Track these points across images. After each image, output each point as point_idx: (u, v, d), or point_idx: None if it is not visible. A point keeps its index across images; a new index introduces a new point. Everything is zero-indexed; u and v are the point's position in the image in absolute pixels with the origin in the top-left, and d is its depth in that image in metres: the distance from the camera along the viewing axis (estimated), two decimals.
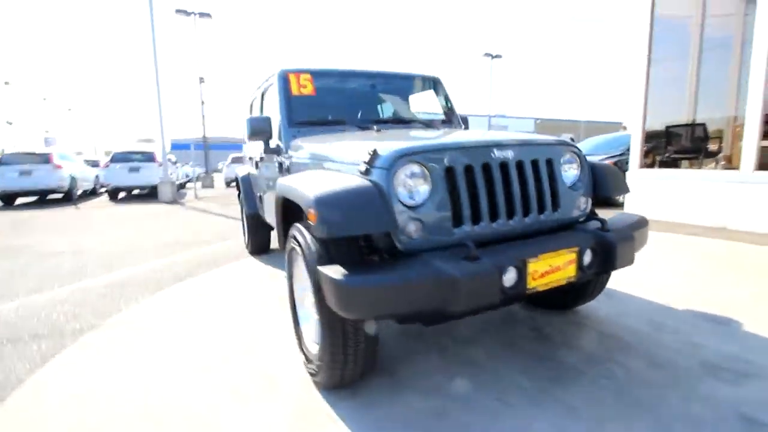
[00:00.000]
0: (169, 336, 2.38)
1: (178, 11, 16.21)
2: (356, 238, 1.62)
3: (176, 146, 15.99)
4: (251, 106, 4.18)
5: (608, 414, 1.51)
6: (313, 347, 1.79)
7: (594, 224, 1.83)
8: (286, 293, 2.08)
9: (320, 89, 2.80)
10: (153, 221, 7.48)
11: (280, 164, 2.59)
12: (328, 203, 1.43)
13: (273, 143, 2.71)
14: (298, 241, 1.67)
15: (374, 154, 1.56)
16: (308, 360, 1.81)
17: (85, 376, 1.96)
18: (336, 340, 1.52)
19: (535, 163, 1.77)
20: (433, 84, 3.24)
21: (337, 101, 2.95)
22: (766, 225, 4.22)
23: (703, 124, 5.47)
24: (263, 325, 2.48)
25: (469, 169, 1.61)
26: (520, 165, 1.72)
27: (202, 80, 24.89)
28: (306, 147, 2.29)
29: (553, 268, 1.59)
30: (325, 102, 2.88)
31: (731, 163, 5.06)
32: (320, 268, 1.40)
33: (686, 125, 5.71)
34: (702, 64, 5.65)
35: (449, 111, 3.17)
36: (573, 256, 1.63)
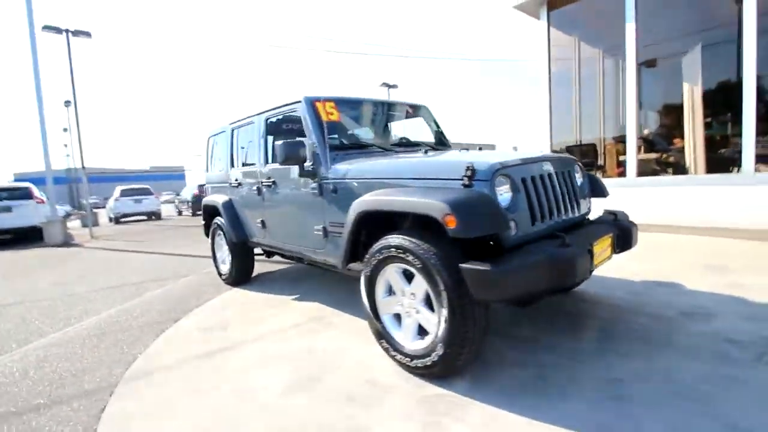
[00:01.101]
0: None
1: (46, 28, 13.95)
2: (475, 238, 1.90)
3: (25, 180, 12.93)
4: (214, 138, 4.10)
5: (623, 347, 2.07)
6: (418, 344, 1.99)
7: (608, 217, 2.43)
8: (306, 315, 2.23)
9: (342, 116, 3.01)
10: (64, 267, 6.34)
11: (320, 186, 2.70)
12: (463, 209, 1.71)
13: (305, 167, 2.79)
14: (402, 248, 1.89)
15: (473, 170, 1.90)
16: (416, 358, 1.98)
17: None
18: (466, 325, 1.77)
19: (563, 173, 2.31)
20: (425, 111, 3.67)
21: (355, 127, 3.18)
22: (646, 216, 5.58)
23: (594, 144, 6.99)
24: (330, 347, 2.53)
25: (532, 179, 2.06)
26: (557, 174, 2.23)
27: (68, 103, 21.55)
28: (361, 168, 2.48)
29: (602, 250, 2.11)
30: (345, 128, 3.08)
31: (606, 174, 6.56)
32: (465, 264, 1.68)
33: (579, 145, 7.20)
34: (581, 97, 7.26)
35: (441, 134, 3.63)
36: (610, 240, 2.19)
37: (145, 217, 16.62)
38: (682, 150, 5.76)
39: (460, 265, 1.70)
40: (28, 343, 2.99)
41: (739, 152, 4.83)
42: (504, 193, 1.92)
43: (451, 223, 1.71)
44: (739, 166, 4.84)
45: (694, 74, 5.52)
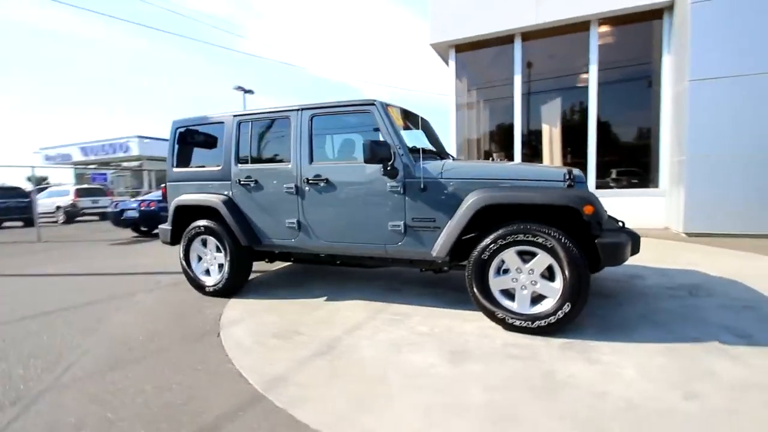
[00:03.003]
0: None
1: None
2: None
3: None
4: (186, 129, 3.75)
5: (627, 314, 3.14)
6: (539, 308, 2.53)
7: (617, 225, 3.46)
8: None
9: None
10: None
11: (404, 184, 2.91)
12: (595, 201, 2.37)
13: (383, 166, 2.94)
14: (547, 234, 2.42)
15: (572, 175, 2.59)
16: (538, 319, 2.49)
17: None
18: (583, 287, 2.40)
19: None
20: (429, 124, 4.17)
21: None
22: None
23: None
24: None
25: None
26: None
27: None
28: (458, 169, 2.84)
29: None
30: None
31: None
32: (601, 239, 2.34)
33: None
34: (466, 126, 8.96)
35: (442, 145, 4.20)
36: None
37: None
38: None
39: (597, 240, 2.36)
40: None
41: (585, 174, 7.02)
42: None
43: (589, 211, 2.35)
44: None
45: (554, 118, 7.68)
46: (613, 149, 7.28)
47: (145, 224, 8.91)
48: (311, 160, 3.25)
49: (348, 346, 2.50)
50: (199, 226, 3.65)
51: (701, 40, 5.48)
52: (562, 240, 2.41)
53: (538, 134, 7.87)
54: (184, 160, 3.91)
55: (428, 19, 7.71)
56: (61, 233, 10.61)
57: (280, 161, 3.40)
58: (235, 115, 3.58)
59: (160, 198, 8.92)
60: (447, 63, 8.58)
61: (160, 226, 4.05)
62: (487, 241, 2.59)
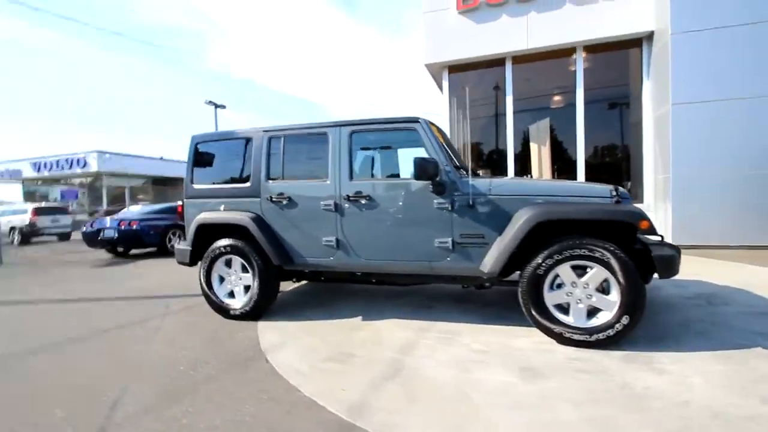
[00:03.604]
0: None
1: None
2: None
3: None
4: (208, 145, 3.63)
5: (666, 324, 3.29)
6: (596, 321, 2.59)
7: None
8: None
9: None
10: None
11: (453, 201, 2.93)
12: (647, 217, 2.49)
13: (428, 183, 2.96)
14: (602, 248, 2.50)
15: (618, 191, 2.72)
16: (596, 332, 2.55)
17: None
18: (639, 298, 2.48)
19: None
20: (446, 136, 4.25)
21: None
22: None
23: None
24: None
25: None
26: None
27: None
28: (507, 186, 2.91)
29: None
30: None
31: None
32: (657, 253, 2.45)
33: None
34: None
35: (459, 157, 4.27)
36: None
37: None
38: None
39: (654, 254, 2.46)
40: None
41: None
42: None
43: (645, 226, 2.46)
44: None
45: (543, 137, 8.04)
46: (599, 167, 7.71)
47: (124, 245, 8.36)
48: (351, 177, 3.21)
49: (412, 368, 2.44)
50: (224, 246, 3.47)
51: (681, 67, 5.99)
52: (618, 254, 2.50)
53: (527, 152, 8.20)
54: (204, 176, 3.74)
55: (423, 40, 7.94)
56: (25, 255, 9.74)
57: (317, 178, 3.32)
58: (265, 131, 3.49)
59: (143, 216, 8.45)
60: (438, 82, 8.84)
61: (177, 246, 3.82)
62: (543, 256, 2.64)
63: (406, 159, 4.21)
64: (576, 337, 2.60)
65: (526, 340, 2.78)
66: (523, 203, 2.82)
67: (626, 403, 1.96)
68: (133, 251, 9.01)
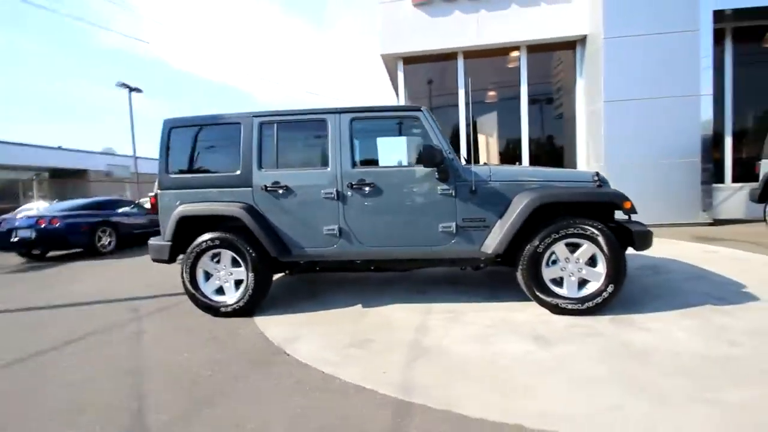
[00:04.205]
0: None
1: None
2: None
3: None
4: (185, 131, 3.40)
5: (630, 292, 3.81)
6: (585, 291, 2.92)
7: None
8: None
9: None
10: None
11: (456, 187, 3.06)
12: (629, 198, 2.85)
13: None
14: (591, 226, 2.82)
15: (599, 176, 3.07)
16: (587, 300, 2.88)
17: None
18: (622, 269, 2.86)
19: None
20: None
21: None
22: None
23: None
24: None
25: None
26: None
27: None
28: (507, 172, 3.13)
29: None
30: None
31: None
32: (637, 229, 2.82)
33: None
34: None
35: None
36: None
37: None
38: None
39: (633, 230, 2.84)
40: None
41: None
42: None
43: (628, 206, 2.82)
44: None
45: (491, 128, 8.58)
46: (539, 157, 8.45)
47: (43, 246, 7.25)
48: (353, 165, 3.18)
49: (436, 346, 2.55)
50: (211, 239, 3.23)
51: (612, 68, 6.80)
52: (605, 231, 2.84)
53: (476, 142, 8.70)
54: (180, 164, 3.42)
55: (379, 30, 7.95)
56: None
57: (315, 165, 3.24)
58: (255, 116, 3.29)
59: (67, 213, 7.41)
60: (392, 73, 8.94)
61: (151, 242, 3.46)
62: (542, 235, 2.90)
63: (386, 148, 4.27)
64: (570, 306, 2.91)
65: (525, 313, 3.04)
66: (520, 188, 3.05)
67: (633, 357, 2.27)
68: (52, 253, 7.87)
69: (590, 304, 2.90)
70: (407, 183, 3.14)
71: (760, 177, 5.58)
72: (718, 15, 6.68)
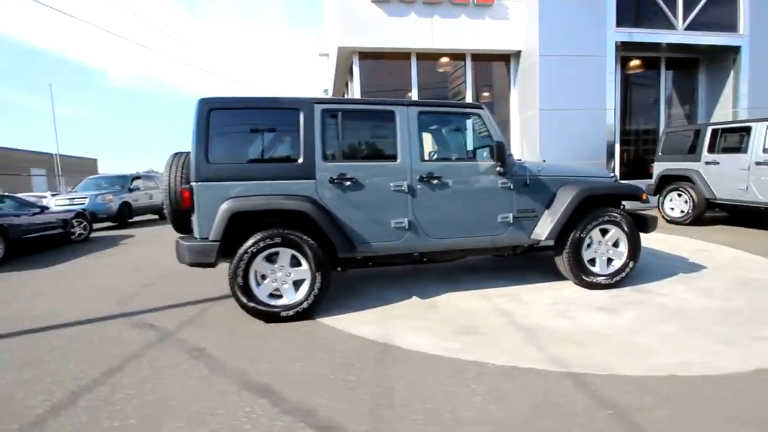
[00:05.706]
0: None
1: None
2: None
3: None
4: (229, 113, 3.06)
5: None
6: (612, 268, 3.52)
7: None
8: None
9: None
10: None
11: (514, 180, 3.35)
12: (645, 190, 3.54)
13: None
14: (619, 214, 3.42)
15: (614, 173, 3.73)
16: (615, 275, 3.48)
17: None
18: (639, 248, 3.55)
19: None
20: None
21: None
22: None
23: None
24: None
25: None
26: None
27: None
28: (552, 168, 3.54)
29: None
30: None
31: None
32: (650, 215, 3.52)
33: None
34: None
35: None
36: None
37: None
38: None
39: (646, 215, 3.52)
40: None
41: None
42: None
43: (645, 198, 3.50)
44: None
45: None
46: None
47: None
48: (422, 158, 3.22)
49: (534, 324, 2.81)
50: (271, 237, 2.91)
51: (545, 81, 7.94)
52: (627, 217, 3.48)
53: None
54: (224, 152, 2.98)
55: (337, 24, 7.77)
56: None
57: (382, 158, 3.17)
58: (317, 102, 3.06)
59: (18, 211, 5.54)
60: (342, 67, 8.83)
61: (184, 243, 2.93)
62: (584, 223, 3.40)
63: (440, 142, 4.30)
64: (603, 281, 3.48)
65: (567, 291, 3.51)
66: (561, 183, 3.51)
67: (676, 316, 2.88)
68: None
69: (618, 278, 3.51)
70: (472, 177, 3.32)
71: (654, 175, 7.26)
72: (619, 44, 8.38)
